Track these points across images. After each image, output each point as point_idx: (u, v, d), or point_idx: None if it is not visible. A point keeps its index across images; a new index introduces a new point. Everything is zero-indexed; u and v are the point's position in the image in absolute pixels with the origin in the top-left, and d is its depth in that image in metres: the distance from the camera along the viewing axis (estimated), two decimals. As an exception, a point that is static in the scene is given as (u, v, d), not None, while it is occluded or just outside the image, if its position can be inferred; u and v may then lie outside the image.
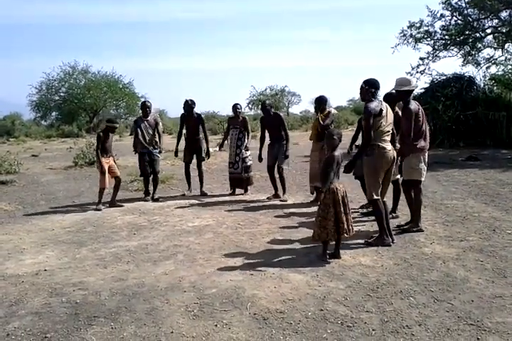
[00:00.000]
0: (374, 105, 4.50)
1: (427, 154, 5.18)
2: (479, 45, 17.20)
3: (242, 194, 7.83)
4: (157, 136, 7.56)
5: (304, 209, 6.45)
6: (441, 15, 16.67)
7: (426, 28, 17.03)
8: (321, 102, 6.64)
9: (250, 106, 46.45)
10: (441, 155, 12.66)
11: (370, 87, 4.59)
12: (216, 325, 3.01)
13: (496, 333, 2.83)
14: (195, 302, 3.37)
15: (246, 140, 7.69)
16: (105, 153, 7.02)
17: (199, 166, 7.94)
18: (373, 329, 2.91)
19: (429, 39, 17.17)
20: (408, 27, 17.10)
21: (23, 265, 4.35)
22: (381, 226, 4.66)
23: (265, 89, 47.28)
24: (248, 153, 7.73)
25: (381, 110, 4.50)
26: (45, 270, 4.19)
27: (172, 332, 2.94)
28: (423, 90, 16.59)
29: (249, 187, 7.93)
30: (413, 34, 17.13)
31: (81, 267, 4.25)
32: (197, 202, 7.27)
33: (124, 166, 11.09)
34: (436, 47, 17.18)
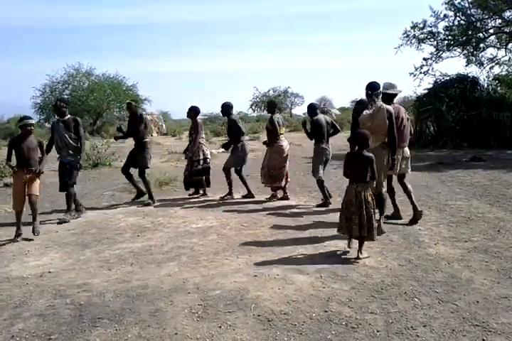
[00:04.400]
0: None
1: (405, 149, 5.67)
2: (482, 45, 17.17)
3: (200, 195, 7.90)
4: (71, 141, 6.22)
5: (307, 211, 6.44)
6: (445, 16, 16.68)
7: (429, 29, 17.03)
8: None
9: (253, 107, 46.51)
10: (445, 156, 12.63)
11: (366, 90, 5.06)
12: (220, 327, 3.01)
13: (502, 334, 2.82)
14: (199, 304, 3.37)
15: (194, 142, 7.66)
16: (22, 165, 5.45)
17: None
18: (378, 331, 2.90)
19: (432, 40, 17.15)
20: (411, 28, 17.10)
21: (28, 267, 4.36)
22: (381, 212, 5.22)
23: (268, 91, 47.36)
24: (200, 156, 7.66)
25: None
26: (50, 272, 4.20)
27: (176, 334, 2.94)
28: (426, 91, 16.57)
29: (202, 190, 7.97)
30: (416, 35, 17.13)
31: (85, 269, 4.26)
32: (201, 204, 7.27)
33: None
34: (439, 47, 17.16)
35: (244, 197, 7.61)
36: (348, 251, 4.46)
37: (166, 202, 7.41)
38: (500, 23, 16.64)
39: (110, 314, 3.26)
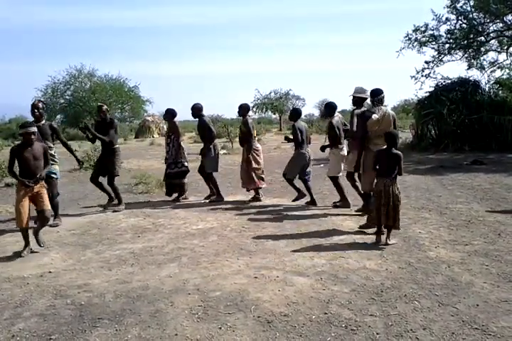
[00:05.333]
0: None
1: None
2: (483, 49, 17.20)
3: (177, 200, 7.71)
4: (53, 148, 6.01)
5: (309, 213, 6.44)
6: (447, 19, 16.72)
7: (431, 32, 17.08)
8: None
9: (255, 109, 46.50)
10: (446, 159, 12.63)
11: (370, 97, 5.55)
12: (220, 328, 3.02)
13: (501, 338, 2.82)
14: (199, 305, 3.37)
15: (172, 145, 7.53)
16: (27, 176, 4.82)
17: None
18: (377, 333, 2.90)
19: (433, 43, 17.19)
20: (413, 31, 17.14)
21: (28, 267, 4.37)
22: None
23: (269, 93, 47.35)
24: (183, 158, 7.56)
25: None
26: (50, 272, 4.20)
27: (176, 335, 2.94)
28: (428, 94, 16.58)
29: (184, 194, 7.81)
30: (418, 38, 17.16)
31: (86, 269, 4.27)
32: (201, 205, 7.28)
33: (128, 169, 11.14)
34: (440, 50, 17.19)
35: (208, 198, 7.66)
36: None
37: (166, 203, 7.42)
38: (501, 27, 16.67)
39: (110, 314, 3.27)
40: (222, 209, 6.84)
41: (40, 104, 5.95)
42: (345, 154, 6.64)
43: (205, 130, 7.51)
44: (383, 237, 4.85)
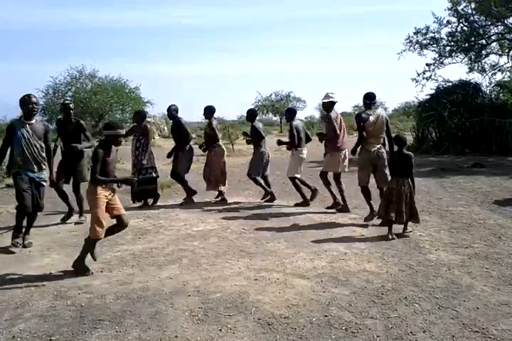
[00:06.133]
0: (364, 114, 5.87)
1: (343, 151, 6.55)
2: (484, 52, 17.21)
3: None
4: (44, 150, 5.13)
5: (309, 214, 6.45)
6: (448, 22, 16.76)
7: (432, 35, 17.11)
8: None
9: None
10: (447, 162, 12.63)
11: (364, 99, 5.93)
12: (220, 330, 3.02)
13: (502, 341, 2.82)
14: (199, 307, 3.37)
15: (142, 150, 7.15)
16: (108, 180, 4.25)
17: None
18: (378, 336, 2.91)
19: (434, 45, 17.21)
20: (414, 33, 17.18)
21: (29, 268, 4.37)
22: (369, 204, 5.97)
23: (270, 95, 47.36)
24: (154, 163, 7.28)
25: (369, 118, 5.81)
26: (51, 273, 4.20)
27: (176, 337, 2.95)
28: (429, 96, 16.59)
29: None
30: (419, 40, 17.19)
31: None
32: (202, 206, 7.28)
33: (128, 170, 11.08)
34: (441, 53, 17.22)
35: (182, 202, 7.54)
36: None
37: (167, 205, 7.42)
38: (502, 30, 16.69)
39: (111, 316, 3.27)
40: (222, 211, 6.84)
41: (33, 99, 5.07)
42: (305, 157, 7.18)
43: (181, 131, 7.43)
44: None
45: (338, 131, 6.41)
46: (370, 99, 5.90)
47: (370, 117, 5.78)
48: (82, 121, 6.20)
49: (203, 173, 7.76)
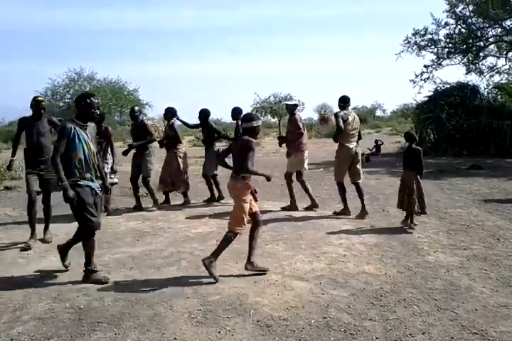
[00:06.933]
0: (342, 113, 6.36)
1: (306, 152, 6.94)
2: (482, 54, 17.28)
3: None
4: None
5: (308, 217, 6.44)
6: (446, 24, 16.82)
7: (430, 36, 17.17)
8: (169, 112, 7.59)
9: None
10: (445, 164, 12.64)
11: (340, 102, 6.48)
12: (219, 332, 3.02)
13: (500, 342, 2.82)
14: (198, 309, 3.37)
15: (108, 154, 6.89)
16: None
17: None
18: (376, 338, 2.91)
19: (432, 47, 17.28)
20: (413, 34, 17.25)
21: (28, 270, 4.36)
22: (344, 200, 6.48)
23: (269, 97, 47.32)
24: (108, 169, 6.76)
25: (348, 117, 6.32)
26: (49, 275, 4.20)
27: (175, 339, 2.94)
28: (427, 98, 16.62)
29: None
30: (417, 41, 17.25)
31: (85, 273, 4.25)
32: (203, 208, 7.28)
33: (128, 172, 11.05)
34: (439, 55, 17.28)
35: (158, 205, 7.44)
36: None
37: (166, 207, 7.41)
38: (500, 32, 16.76)
39: (109, 318, 3.26)
40: (221, 213, 6.83)
41: (40, 98, 5.34)
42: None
43: (145, 132, 7.22)
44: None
45: (303, 131, 6.93)
46: (344, 102, 6.50)
47: (349, 117, 6.35)
48: (54, 119, 5.64)
49: (162, 175, 7.59)
